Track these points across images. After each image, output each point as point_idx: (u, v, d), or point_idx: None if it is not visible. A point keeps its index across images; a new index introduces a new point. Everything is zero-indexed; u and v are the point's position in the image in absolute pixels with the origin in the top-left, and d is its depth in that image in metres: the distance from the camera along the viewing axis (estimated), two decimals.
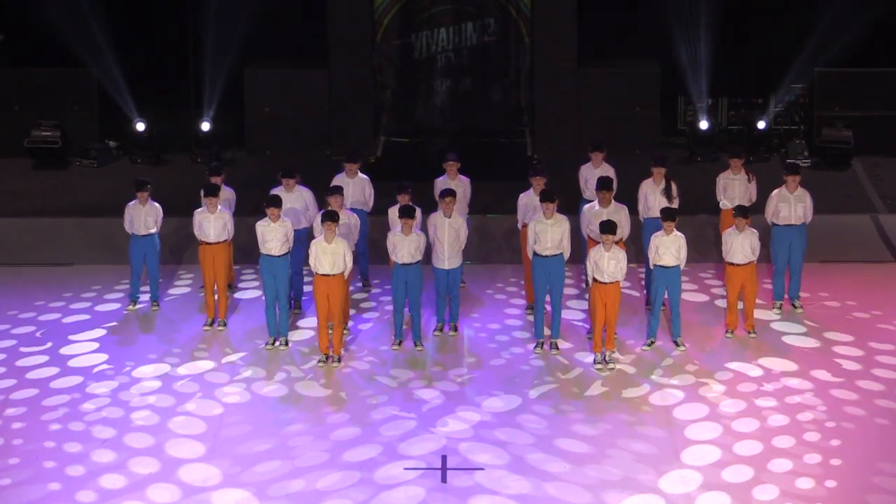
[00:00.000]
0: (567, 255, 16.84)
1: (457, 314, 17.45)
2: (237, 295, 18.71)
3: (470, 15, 24.47)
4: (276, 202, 16.89)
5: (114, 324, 17.84)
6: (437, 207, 17.21)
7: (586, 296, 17.59)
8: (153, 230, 18.02)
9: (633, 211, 17.73)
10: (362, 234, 18.15)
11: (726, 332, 17.26)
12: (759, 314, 17.54)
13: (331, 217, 16.34)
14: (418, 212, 17.07)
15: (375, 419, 15.10)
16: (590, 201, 17.85)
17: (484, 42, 24.53)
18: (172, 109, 24.29)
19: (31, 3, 23.43)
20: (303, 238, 17.47)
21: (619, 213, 17.05)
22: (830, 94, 24.13)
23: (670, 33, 23.62)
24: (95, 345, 17.16)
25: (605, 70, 24.31)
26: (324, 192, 17.50)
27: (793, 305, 18.10)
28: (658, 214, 17.18)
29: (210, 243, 17.45)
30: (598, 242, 16.40)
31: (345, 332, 16.99)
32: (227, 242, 17.61)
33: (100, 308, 18.38)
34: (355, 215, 17.66)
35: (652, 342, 16.93)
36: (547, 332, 17.00)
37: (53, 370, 16.38)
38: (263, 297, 17.21)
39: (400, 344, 17.01)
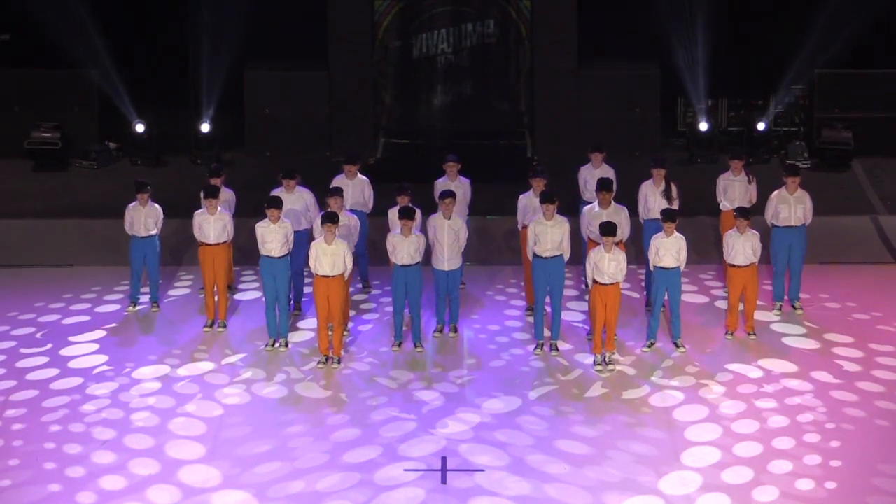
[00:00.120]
0: (567, 256, 16.84)
1: (457, 315, 17.45)
2: (237, 296, 18.71)
3: (470, 16, 24.47)
4: (277, 203, 16.89)
5: (114, 325, 17.84)
6: (437, 209, 17.21)
7: (586, 297, 17.59)
8: (153, 231, 18.02)
9: (633, 212, 17.73)
10: (362, 235, 18.16)
11: (726, 333, 17.26)
12: (758, 315, 17.54)
13: (330, 218, 16.35)
14: (418, 213, 17.08)
15: (375, 420, 15.11)
16: (589, 203, 17.85)
17: (484, 43, 24.52)
18: (172, 111, 24.28)
19: (31, 4, 23.42)
20: (303, 239, 17.46)
21: (619, 215, 17.05)
22: (830, 96, 24.13)
23: (670, 34, 23.61)
24: (95, 346, 17.16)
25: (605, 71, 24.30)
26: (324, 193, 17.50)
27: (793, 307, 18.10)
28: (658, 216, 17.19)
29: (210, 245, 17.46)
30: (598, 244, 16.40)
31: (345, 333, 16.99)
32: (226, 244, 17.61)
33: (100, 309, 18.38)
34: (355, 217, 17.66)
35: (652, 343, 16.93)
36: (547, 333, 17.00)
37: (53, 371, 16.38)
38: (263, 299, 17.22)
39: (400, 345, 17.01)
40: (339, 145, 23.52)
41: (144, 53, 24.14)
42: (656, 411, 15.32)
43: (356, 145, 22.78)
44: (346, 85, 24.19)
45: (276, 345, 16.98)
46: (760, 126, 24.03)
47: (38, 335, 17.48)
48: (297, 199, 17.84)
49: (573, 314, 17.98)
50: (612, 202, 17.25)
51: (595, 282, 16.26)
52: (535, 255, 16.80)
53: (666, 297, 16.84)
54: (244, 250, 19.04)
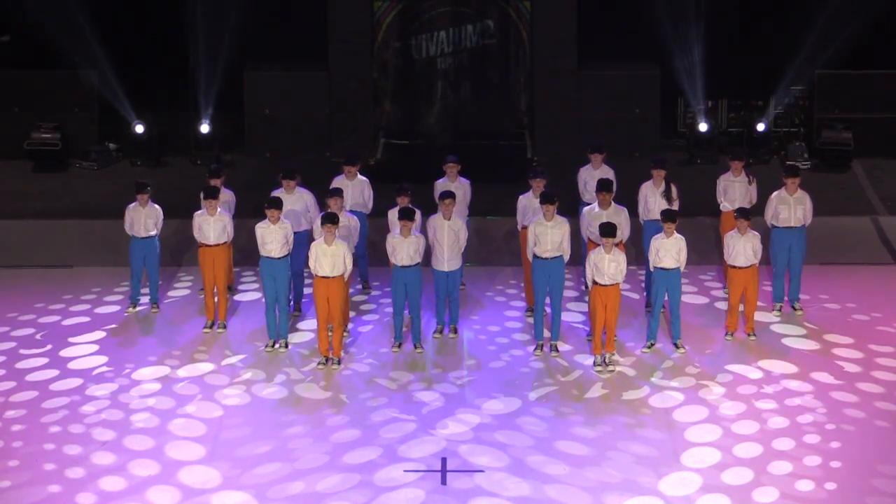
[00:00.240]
0: (567, 257, 16.84)
1: (456, 316, 17.45)
2: (237, 297, 18.71)
3: (469, 17, 24.46)
4: (277, 204, 16.89)
5: (114, 326, 17.84)
6: (437, 209, 17.21)
7: (586, 298, 17.59)
8: (153, 232, 18.02)
9: (633, 213, 17.73)
10: (362, 236, 18.16)
11: (726, 334, 17.25)
12: (758, 316, 17.54)
13: (330, 219, 16.35)
14: (418, 214, 17.07)
15: (375, 421, 15.11)
16: (588, 204, 17.85)
17: (483, 44, 24.51)
18: (172, 111, 24.27)
19: (30, 5, 23.41)
20: (303, 240, 17.46)
21: (618, 215, 17.05)
22: (830, 96, 24.11)
23: (670, 35, 23.60)
24: (95, 347, 17.16)
25: (605, 72, 24.28)
26: (324, 194, 17.50)
27: (793, 308, 18.10)
28: (658, 217, 17.19)
29: (210, 245, 17.46)
30: (598, 245, 16.40)
31: (345, 334, 16.99)
32: (226, 244, 17.61)
33: (100, 310, 18.38)
34: (355, 217, 17.66)
35: (652, 344, 16.93)
36: (547, 334, 17.00)
37: (53, 372, 16.38)
38: (263, 300, 17.22)
39: (400, 346, 17.01)
40: (338, 146, 23.51)
41: (144, 54, 24.11)
42: (656, 412, 15.32)
43: (356, 146, 22.78)
44: (346, 86, 24.18)
45: (276, 346, 16.98)
46: (760, 127, 24.01)
47: (37, 336, 17.48)
48: (296, 199, 17.84)
49: (573, 315, 17.98)
50: (612, 203, 17.24)
51: (595, 283, 16.26)
52: (534, 256, 16.80)
53: (666, 298, 16.84)
54: (244, 251, 19.04)
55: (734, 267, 17.03)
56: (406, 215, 16.72)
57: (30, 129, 23.73)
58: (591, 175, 18.52)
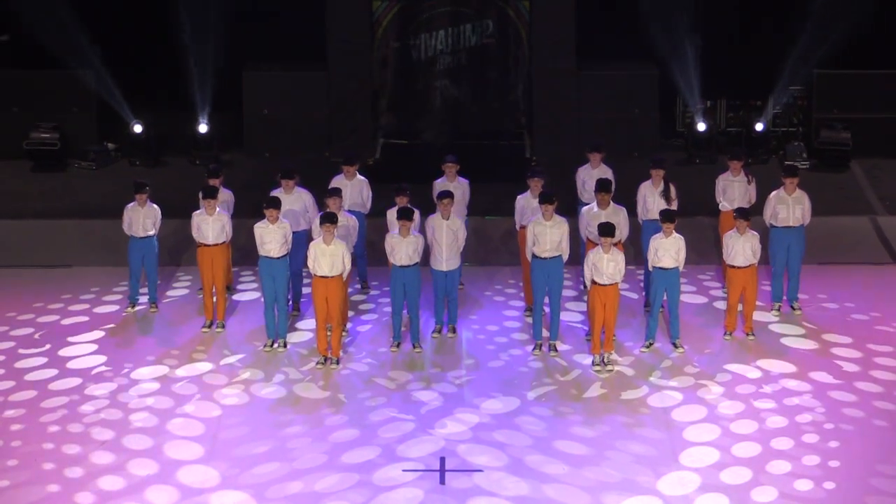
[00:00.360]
0: (566, 256, 16.84)
1: (455, 316, 17.45)
2: (236, 297, 18.70)
3: (468, 17, 24.44)
4: (275, 204, 16.89)
5: (112, 326, 17.84)
6: (436, 209, 17.21)
7: (585, 298, 17.59)
8: (152, 232, 18.01)
9: (632, 213, 17.73)
10: (361, 235, 18.15)
11: (725, 334, 17.25)
12: (757, 316, 17.54)
13: (329, 219, 16.35)
14: (416, 214, 17.07)
15: (374, 421, 15.11)
16: (587, 203, 17.84)
17: (482, 44, 24.50)
18: (170, 111, 24.26)
19: (28, 5, 23.40)
20: (302, 240, 17.46)
21: (617, 215, 17.05)
22: (829, 96, 24.10)
23: (669, 35, 23.59)
24: (94, 346, 17.16)
25: (604, 72, 24.28)
26: (322, 193, 17.50)
27: (791, 307, 18.10)
28: (657, 216, 17.18)
29: (208, 245, 17.46)
30: (597, 244, 16.40)
31: (343, 333, 16.99)
32: (225, 244, 17.61)
33: (98, 310, 18.37)
34: (353, 217, 17.66)
35: (650, 344, 16.94)
36: (545, 333, 17.00)
37: (52, 372, 16.38)
38: (262, 299, 17.22)
39: (398, 346, 17.01)
40: (337, 146, 23.50)
41: (142, 54, 24.10)
42: (655, 412, 15.32)
43: (355, 146, 22.78)
44: (345, 85, 24.17)
45: (275, 345, 16.98)
46: (759, 127, 24.00)
47: (36, 336, 17.47)
48: (295, 199, 17.84)
49: (572, 315, 17.98)
50: (611, 203, 17.24)
51: (594, 282, 16.26)
52: (533, 256, 16.80)
53: (665, 298, 16.84)
54: (243, 251, 19.04)
55: (733, 267, 17.03)
56: (405, 215, 16.72)
57: (29, 129, 23.72)
58: (589, 175, 18.52)
